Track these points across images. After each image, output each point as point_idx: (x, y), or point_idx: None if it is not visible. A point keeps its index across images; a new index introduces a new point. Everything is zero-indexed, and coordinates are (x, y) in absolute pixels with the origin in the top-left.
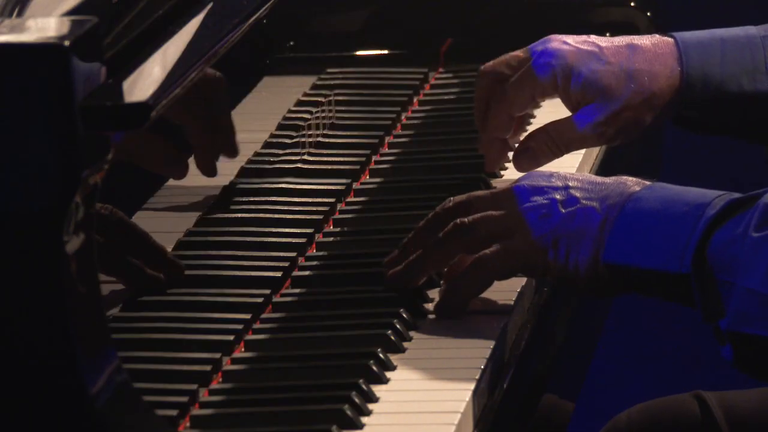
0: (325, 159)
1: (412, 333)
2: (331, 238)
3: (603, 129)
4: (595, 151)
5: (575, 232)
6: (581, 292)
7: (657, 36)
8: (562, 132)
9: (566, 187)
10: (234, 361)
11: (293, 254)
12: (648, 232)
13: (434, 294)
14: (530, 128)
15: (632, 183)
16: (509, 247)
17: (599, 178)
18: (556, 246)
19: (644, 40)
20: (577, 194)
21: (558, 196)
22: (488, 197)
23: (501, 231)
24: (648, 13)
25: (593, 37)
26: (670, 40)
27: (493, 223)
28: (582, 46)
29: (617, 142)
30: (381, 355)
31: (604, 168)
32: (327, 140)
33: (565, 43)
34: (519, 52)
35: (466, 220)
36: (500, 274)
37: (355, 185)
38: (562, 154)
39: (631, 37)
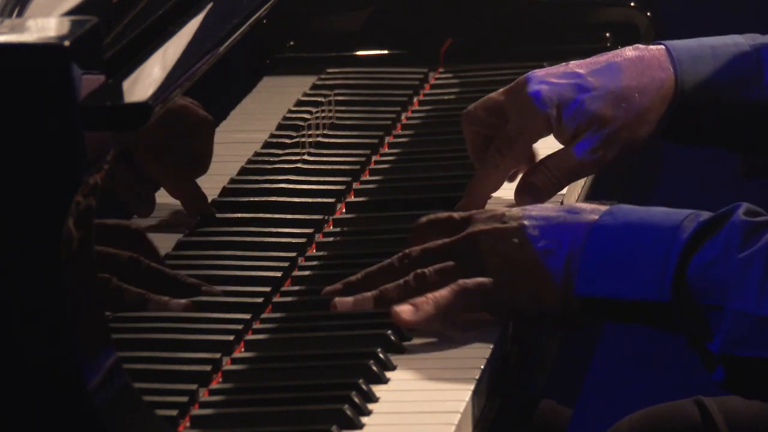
0: (325, 159)
1: (412, 333)
2: (331, 238)
3: (601, 153)
4: None
5: (539, 271)
6: (549, 327)
7: (642, 46)
8: (560, 163)
9: (523, 227)
10: (234, 361)
11: (293, 254)
12: (619, 262)
13: None
14: None
15: (588, 211)
16: (473, 285)
17: (553, 211)
18: (519, 287)
19: (628, 53)
20: (536, 233)
21: (516, 240)
22: (445, 247)
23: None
24: (648, 13)
25: (572, 64)
26: (659, 47)
27: (453, 276)
28: (562, 80)
29: (618, 164)
30: (381, 355)
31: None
32: (327, 140)
33: (544, 82)
34: (496, 95)
35: (426, 272)
36: (462, 306)
37: (355, 185)
38: (564, 186)
39: (613, 53)
